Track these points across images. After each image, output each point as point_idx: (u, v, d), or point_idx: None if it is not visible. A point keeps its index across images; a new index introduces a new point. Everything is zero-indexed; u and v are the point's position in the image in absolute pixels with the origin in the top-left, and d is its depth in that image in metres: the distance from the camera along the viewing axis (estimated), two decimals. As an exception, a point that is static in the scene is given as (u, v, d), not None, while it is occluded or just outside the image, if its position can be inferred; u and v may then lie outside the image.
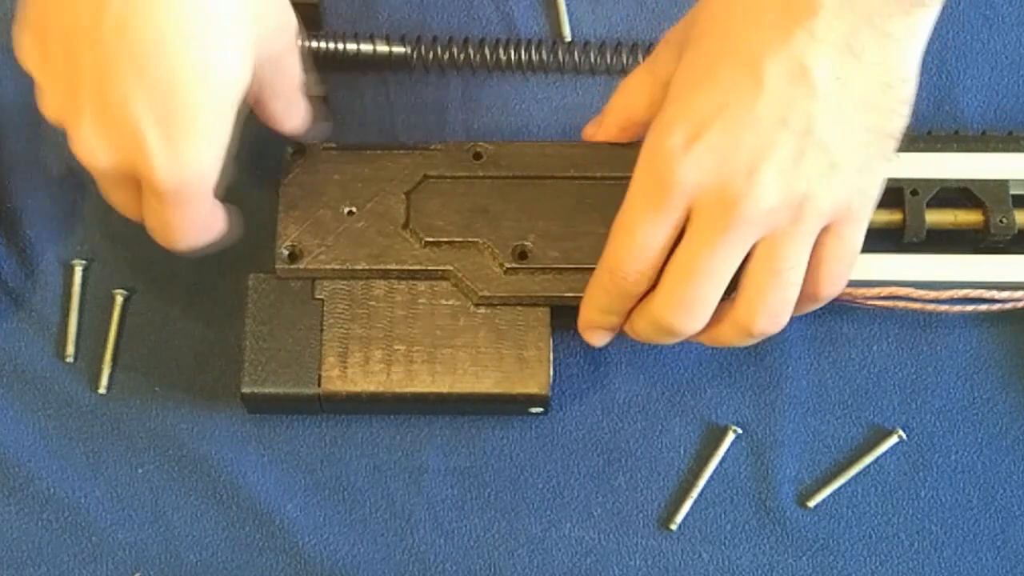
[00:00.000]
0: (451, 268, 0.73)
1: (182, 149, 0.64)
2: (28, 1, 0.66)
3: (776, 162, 0.64)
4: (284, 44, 0.69)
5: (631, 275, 0.67)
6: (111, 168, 0.66)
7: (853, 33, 0.63)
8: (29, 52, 0.67)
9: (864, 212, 0.67)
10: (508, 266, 0.73)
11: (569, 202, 0.74)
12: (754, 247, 0.66)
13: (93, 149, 0.65)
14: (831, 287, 0.68)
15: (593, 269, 0.71)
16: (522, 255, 0.73)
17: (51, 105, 0.67)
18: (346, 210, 0.74)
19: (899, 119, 0.66)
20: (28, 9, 0.66)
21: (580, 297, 0.72)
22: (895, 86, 0.65)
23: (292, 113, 0.72)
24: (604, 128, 0.74)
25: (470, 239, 0.73)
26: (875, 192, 0.67)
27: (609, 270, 0.68)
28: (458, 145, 0.75)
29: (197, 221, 0.68)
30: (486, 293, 0.73)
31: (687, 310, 0.67)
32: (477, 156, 0.75)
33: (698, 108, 0.64)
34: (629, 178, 0.73)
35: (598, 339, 0.73)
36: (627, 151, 0.74)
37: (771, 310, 0.67)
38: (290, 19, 0.69)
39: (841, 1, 0.63)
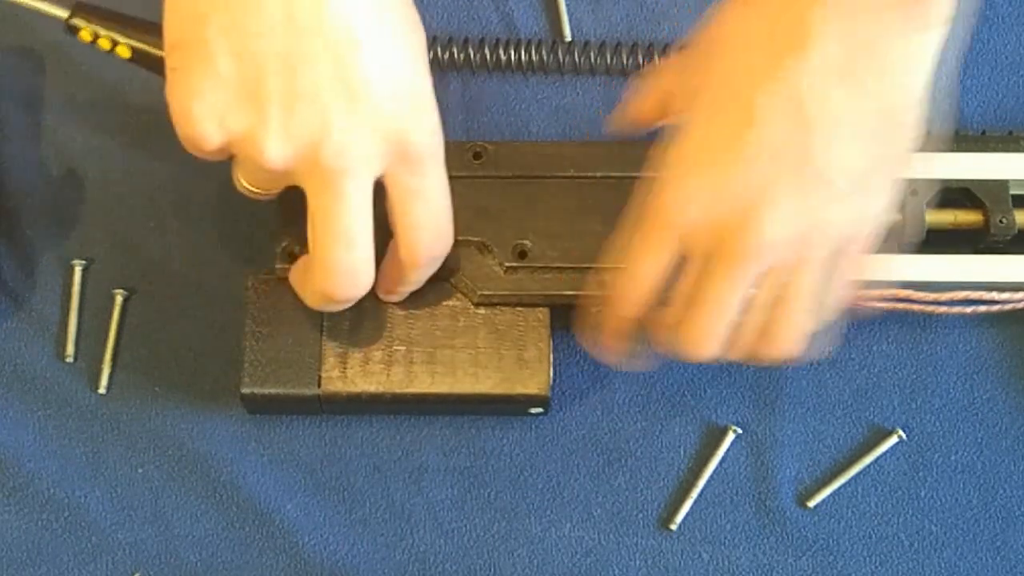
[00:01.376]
0: (451, 267, 0.73)
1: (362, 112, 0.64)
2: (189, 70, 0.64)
3: (774, 199, 0.62)
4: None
5: (633, 304, 0.67)
6: (284, 167, 0.65)
7: (849, 61, 0.61)
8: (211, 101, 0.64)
9: (873, 234, 0.65)
10: (508, 265, 0.73)
11: (569, 201, 0.74)
12: (763, 276, 0.65)
13: (280, 150, 0.64)
14: (838, 303, 0.68)
15: (593, 268, 0.72)
16: (522, 254, 0.73)
17: (237, 123, 0.64)
18: None
19: (906, 142, 0.64)
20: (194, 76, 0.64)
21: (580, 296, 0.73)
22: (899, 113, 0.63)
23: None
24: (625, 121, 0.74)
25: (470, 238, 0.73)
26: (884, 214, 0.65)
27: (615, 296, 0.68)
28: (458, 144, 0.75)
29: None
30: (486, 292, 0.73)
31: (699, 340, 0.66)
32: (477, 156, 0.75)
33: (694, 144, 0.64)
34: (628, 177, 0.73)
35: (613, 359, 0.72)
36: (626, 150, 0.74)
37: (783, 338, 0.66)
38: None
39: (835, 29, 0.61)
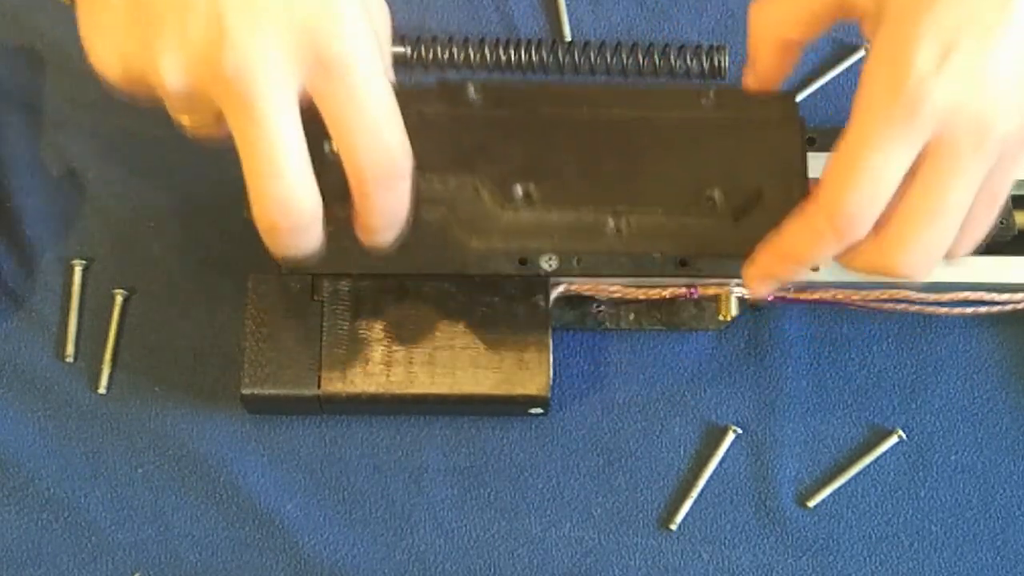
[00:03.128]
0: (444, 210, 0.69)
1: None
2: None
3: (1020, 85, 0.59)
4: None
5: (859, 215, 0.60)
6: (188, 87, 0.60)
7: None
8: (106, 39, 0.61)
9: None
10: (508, 211, 0.69)
11: (578, 144, 0.70)
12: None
13: (176, 70, 0.59)
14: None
15: (593, 220, 0.69)
16: (525, 197, 0.69)
17: (128, 57, 0.60)
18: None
19: None
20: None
21: (587, 246, 0.70)
22: None
23: None
24: (760, 62, 0.68)
25: (465, 179, 0.69)
26: None
27: (828, 210, 0.61)
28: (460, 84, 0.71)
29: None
30: (478, 244, 0.70)
31: (926, 255, 0.61)
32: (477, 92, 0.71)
33: (944, 21, 0.59)
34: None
35: (766, 288, 0.68)
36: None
37: (978, 237, 0.64)
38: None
39: None
